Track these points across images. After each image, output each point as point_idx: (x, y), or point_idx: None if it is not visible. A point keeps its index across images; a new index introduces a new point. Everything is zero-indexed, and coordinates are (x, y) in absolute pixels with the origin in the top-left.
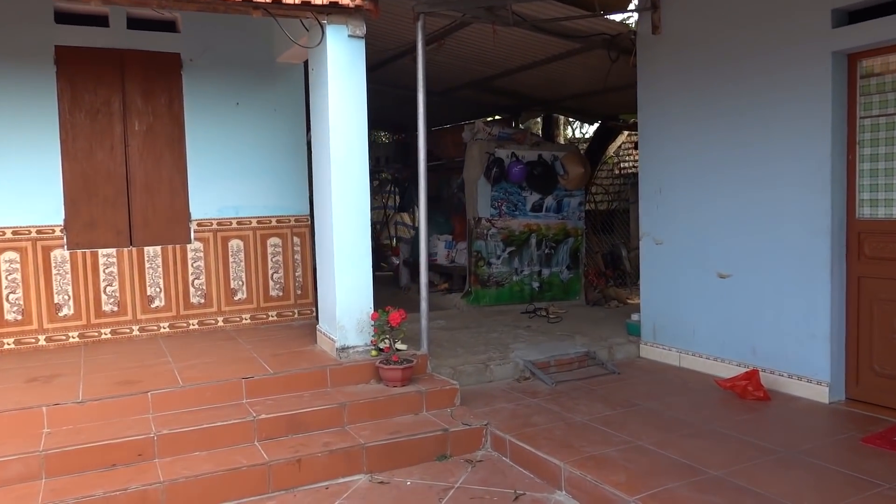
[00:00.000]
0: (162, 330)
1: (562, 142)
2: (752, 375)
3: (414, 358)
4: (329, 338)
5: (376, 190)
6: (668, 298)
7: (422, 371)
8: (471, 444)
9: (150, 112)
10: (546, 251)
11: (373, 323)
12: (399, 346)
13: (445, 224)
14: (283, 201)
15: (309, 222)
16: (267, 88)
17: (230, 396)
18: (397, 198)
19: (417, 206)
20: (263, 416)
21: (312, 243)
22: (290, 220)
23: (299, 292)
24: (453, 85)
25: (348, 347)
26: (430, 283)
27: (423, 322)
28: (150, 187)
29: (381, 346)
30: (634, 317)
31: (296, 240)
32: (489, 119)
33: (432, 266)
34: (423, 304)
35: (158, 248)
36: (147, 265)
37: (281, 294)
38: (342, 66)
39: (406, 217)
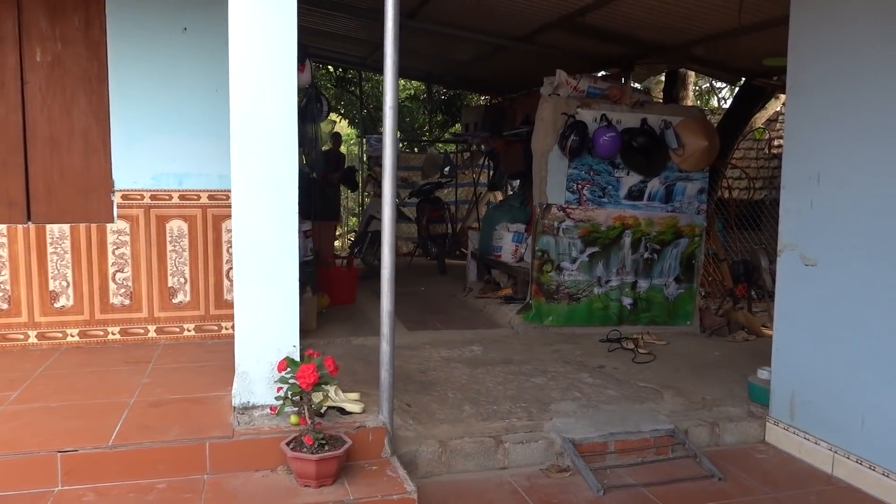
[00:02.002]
0: (70, 338)
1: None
2: None
3: (350, 437)
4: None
5: (466, 164)
6: (819, 356)
7: (373, 454)
8: None
9: (59, 37)
10: (645, 255)
11: (276, 378)
12: (350, 406)
13: (520, 210)
14: None
15: None
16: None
17: (34, 481)
18: (491, 173)
19: (510, 184)
20: None
21: None
22: None
23: None
24: (535, 26)
25: (253, 407)
26: (496, 285)
27: (385, 375)
28: (56, 142)
29: (316, 402)
30: (763, 373)
31: None
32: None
33: (496, 264)
34: (385, 346)
35: (66, 228)
36: (50, 250)
37: None
38: None
39: (499, 196)
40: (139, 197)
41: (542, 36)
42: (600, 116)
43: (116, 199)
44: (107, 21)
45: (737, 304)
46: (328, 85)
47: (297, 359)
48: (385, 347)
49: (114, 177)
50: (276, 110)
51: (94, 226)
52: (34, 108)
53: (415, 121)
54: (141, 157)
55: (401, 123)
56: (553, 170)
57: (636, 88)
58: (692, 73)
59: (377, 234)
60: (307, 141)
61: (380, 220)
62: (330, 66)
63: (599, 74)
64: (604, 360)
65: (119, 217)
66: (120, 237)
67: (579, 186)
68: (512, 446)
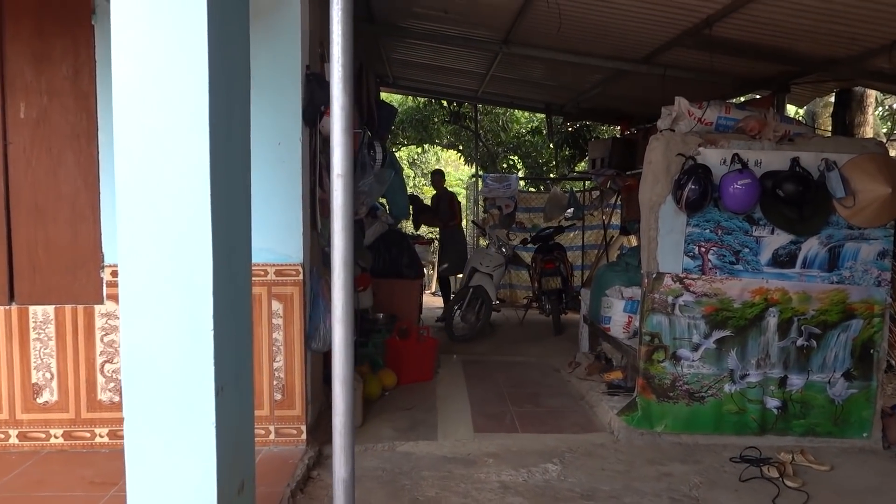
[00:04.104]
0: (54, 440)
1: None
2: None
3: None
4: None
5: (595, 203)
6: None
7: None
8: None
9: (44, 89)
10: (799, 342)
11: None
12: None
13: (638, 270)
14: (255, 239)
15: (301, 275)
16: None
17: None
18: (623, 214)
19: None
20: None
21: (305, 310)
22: (265, 272)
23: (279, 397)
24: (654, 44)
25: None
26: (607, 363)
27: None
28: (41, 211)
29: None
30: None
31: (275, 304)
32: (736, 100)
33: (605, 337)
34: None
35: (51, 310)
36: (33, 335)
37: None
38: None
39: (633, 241)
40: None
41: (664, 56)
42: (731, 157)
43: (106, 275)
44: (96, 68)
45: None
46: (439, 120)
47: None
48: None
49: (103, 249)
50: (186, 139)
51: (80, 308)
52: (18, 171)
53: (539, 156)
54: None
55: (524, 160)
56: (666, 227)
57: (785, 117)
58: (874, 91)
59: (480, 290)
60: (358, 194)
61: (484, 273)
62: (444, 101)
63: (742, 99)
64: (730, 498)
65: (108, 297)
66: (109, 321)
67: (702, 250)
68: None
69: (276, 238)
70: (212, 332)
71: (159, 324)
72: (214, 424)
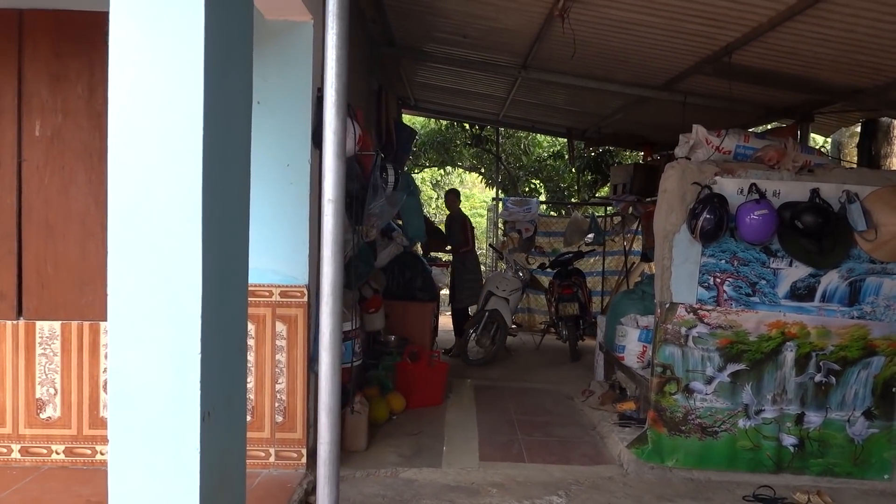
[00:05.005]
0: (55, 456)
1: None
2: None
3: None
4: None
5: (616, 229)
6: None
7: None
8: None
9: (59, 108)
10: (817, 378)
11: None
12: None
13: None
14: (260, 260)
15: (306, 297)
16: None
17: None
18: (644, 241)
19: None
20: None
21: (308, 332)
22: (269, 293)
23: (280, 419)
24: (676, 70)
25: None
26: (621, 392)
27: None
28: (52, 228)
29: None
30: None
31: (279, 326)
32: (758, 128)
33: (619, 366)
34: None
35: (57, 326)
36: (38, 350)
37: (250, 419)
38: None
39: (654, 268)
40: None
41: (684, 83)
42: (748, 187)
43: None
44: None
45: None
46: (461, 142)
47: None
48: None
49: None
50: (168, 193)
51: (86, 324)
52: (31, 189)
53: (561, 180)
54: None
55: (545, 183)
56: (680, 257)
57: (806, 147)
58: None
59: (496, 314)
60: (369, 216)
61: (500, 297)
62: (466, 124)
63: (769, 126)
64: None
65: None
66: None
67: (718, 280)
68: None
69: (281, 259)
70: (199, 357)
71: (145, 347)
72: (199, 451)
